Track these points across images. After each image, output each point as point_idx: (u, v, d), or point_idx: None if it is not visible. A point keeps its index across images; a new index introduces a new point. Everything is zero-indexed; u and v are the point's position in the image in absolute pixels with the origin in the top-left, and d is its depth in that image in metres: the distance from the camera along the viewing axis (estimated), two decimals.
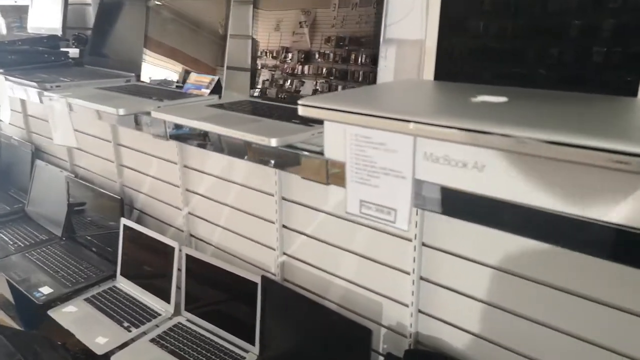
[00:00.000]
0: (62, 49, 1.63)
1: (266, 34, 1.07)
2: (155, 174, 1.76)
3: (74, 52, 1.67)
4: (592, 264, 0.83)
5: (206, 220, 1.60)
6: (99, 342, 1.45)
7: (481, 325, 1.00)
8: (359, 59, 0.90)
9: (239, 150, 0.81)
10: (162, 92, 1.18)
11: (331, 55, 0.95)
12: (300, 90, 1.01)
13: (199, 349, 1.41)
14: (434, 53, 0.75)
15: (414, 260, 1.05)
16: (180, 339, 1.46)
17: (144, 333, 1.50)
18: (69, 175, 2.09)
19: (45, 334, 1.88)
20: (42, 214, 2.22)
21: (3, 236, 2.11)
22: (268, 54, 1.07)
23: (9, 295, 2.10)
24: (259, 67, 1.09)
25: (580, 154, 0.38)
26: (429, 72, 0.77)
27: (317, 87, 0.97)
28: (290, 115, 0.90)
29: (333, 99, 0.61)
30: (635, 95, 0.58)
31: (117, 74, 1.41)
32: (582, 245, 0.47)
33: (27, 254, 1.95)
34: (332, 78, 0.96)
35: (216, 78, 1.13)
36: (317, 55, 0.98)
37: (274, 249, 1.39)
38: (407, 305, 1.10)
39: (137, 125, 1.04)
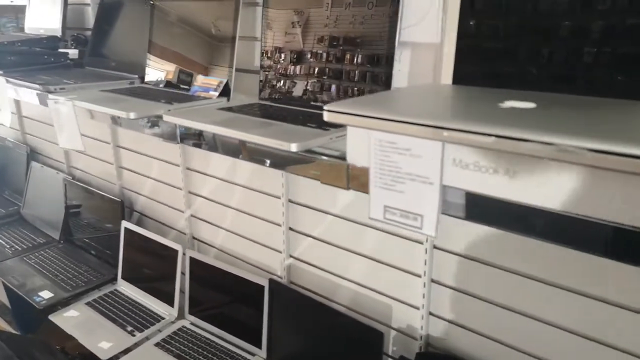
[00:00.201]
0: (61, 50, 1.60)
1: (277, 35, 1.06)
2: (156, 176, 1.74)
3: (73, 53, 1.65)
4: (607, 266, 0.83)
5: (209, 223, 1.59)
6: (103, 347, 1.43)
7: (493, 327, 1.00)
8: (375, 62, 0.90)
9: (261, 154, 0.80)
10: (169, 94, 1.16)
11: (346, 58, 0.95)
12: (315, 94, 1.00)
13: (205, 352, 1.40)
14: (452, 57, 0.75)
15: (425, 263, 1.05)
16: (186, 342, 1.44)
17: (148, 337, 1.48)
18: (67, 177, 2.07)
19: (42, 338, 1.86)
20: (39, 217, 2.19)
21: None
22: (278, 56, 1.06)
23: (4, 300, 2.07)
24: (269, 69, 1.09)
25: (627, 163, 0.38)
26: (446, 76, 0.77)
27: (340, 93, 0.96)
28: (305, 119, 0.89)
29: (358, 104, 0.60)
30: None
31: (120, 76, 1.39)
32: (619, 253, 0.47)
33: (25, 258, 1.92)
34: (344, 80, 0.95)
35: (224, 80, 1.12)
36: (331, 58, 0.98)
37: (280, 252, 1.38)
38: (417, 308, 1.10)
39: (147, 128, 1.03)
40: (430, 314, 1.09)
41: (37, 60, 1.51)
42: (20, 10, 1.89)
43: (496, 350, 1.00)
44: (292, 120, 0.87)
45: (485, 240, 0.97)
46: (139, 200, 1.87)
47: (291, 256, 1.36)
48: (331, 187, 1.19)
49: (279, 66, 1.06)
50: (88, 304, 1.65)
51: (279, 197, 1.32)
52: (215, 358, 1.37)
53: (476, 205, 0.61)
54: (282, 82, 1.06)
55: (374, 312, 1.20)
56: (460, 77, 0.75)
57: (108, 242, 1.87)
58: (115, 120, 1.09)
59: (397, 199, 0.63)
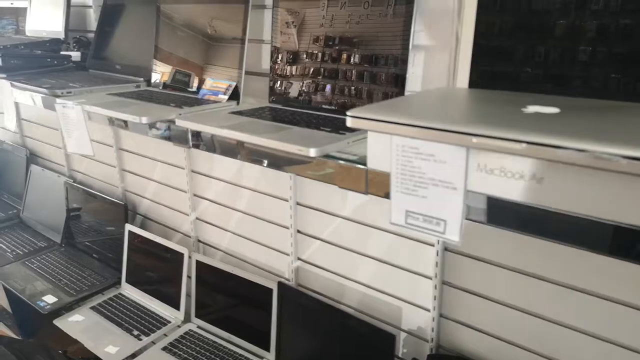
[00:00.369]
0: (63, 53, 1.59)
1: (288, 37, 1.06)
2: (160, 179, 1.73)
3: (75, 55, 1.64)
4: (624, 266, 0.84)
5: (215, 226, 1.59)
6: (110, 352, 1.43)
7: (506, 329, 1.01)
8: (389, 65, 0.90)
9: (274, 158, 0.80)
10: (178, 98, 1.16)
11: (355, 60, 0.95)
12: (327, 96, 1.00)
13: (213, 356, 1.39)
14: (468, 61, 0.75)
15: (437, 265, 1.06)
16: (193, 346, 1.44)
17: (155, 341, 1.48)
18: (68, 180, 2.05)
19: (44, 342, 1.85)
20: (39, 220, 2.18)
21: (0, 244, 2.06)
22: (289, 58, 1.06)
23: (5, 304, 2.06)
24: (279, 72, 1.08)
25: None
26: (462, 79, 0.77)
27: (354, 95, 0.96)
28: (318, 123, 0.89)
29: (381, 110, 0.60)
30: None
31: (126, 79, 1.39)
32: None
33: (26, 262, 1.91)
34: (357, 82, 0.95)
35: (233, 84, 1.12)
36: (343, 60, 0.98)
37: (287, 254, 1.38)
38: (428, 310, 1.11)
39: (156, 132, 1.03)
40: (441, 315, 1.09)
41: (40, 63, 1.50)
42: (20, 12, 1.88)
43: (508, 352, 1.01)
44: (306, 124, 0.87)
45: (498, 242, 0.97)
46: (142, 203, 1.86)
47: (299, 258, 1.36)
48: (339, 189, 1.20)
49: (289, 69, 1.06)
50: (93, 308, 1.64)
51: (286, 200, 1.32)
52: None
53: (489, 207, 0.61)
54: (292, 85, 1.06)
55: (383, 314, 1.20)
56: (476, 80, 0.75)
57: (111, 246, 1.86)
58: (113, 121, 1.08)
59: (420, 204, 0.63)
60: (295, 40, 1.05)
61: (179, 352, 1.41)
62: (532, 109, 0.57)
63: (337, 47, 0.97)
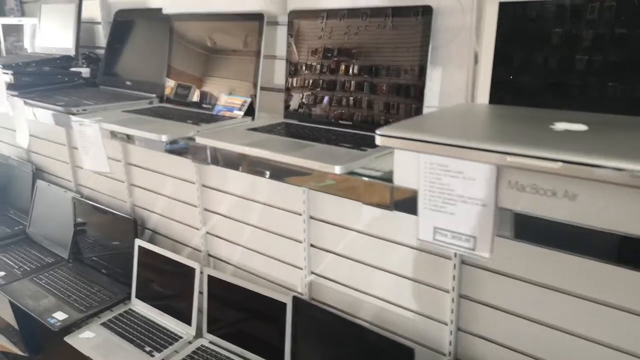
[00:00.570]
0: (74, 69, 1.60)
1: (304, 53, 1.07)
2: (170, 193, 1.73)
3: (85, 71, 1.65)
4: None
5: (226, 240, 1.59)
6: None
7: (523, 342, 1.01)
8: (406, 81, 0.91)
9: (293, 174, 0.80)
10: (193, 114, 1.17)
11: (372, 75, 0.96)
12: (342, 112, 1.01)
13: None
14: (489, 77, 0.77)
15: (454, 278, 1.06)
16: None
17: (168, 357, 1.47)
18: (75, 195, 2.05)
19: (50, 359, 1.84)
20: (46, 236, 2.17)
21: (7, 260, 2.06)
22: (305, 74, 1.07)
23: (12, 321, 2.05)
24: (294, 88, 1.09)
25: None
26: (482, 96, 0.78)
27: (371, 111, 0.97)
28: (337, 139, 0.90)
29: (410, 128, 0.61)
30: None
31: (138, 95, 1.40)
32: None
33: (34, 278, 1.90)
34: (373, 95, 0.96)
35: (249, 100, 1.13)
36: (360, 78, 0.99)
37: (301, 268, 1.38)
38: (445, 324, 1.11)
39: (172, 149, 1.03)
40: (459, 329, 1.09)
41: (50, 80, 1.51)
42: (19, 29, 1.89)
43: None
44: (326, 141, 0.88)
45: (516, 255, 0.97)
46: (150, 218, 1.86)
47: (312, 272, 1.36)
48: (353, 203, 1.20)
49: (305, 85, 1.07)
50: (103, 324, 1.63)
51: (300, 214, 1.33)
52: None
53: (515, 223, 0.62)
54: (308, 101, 1.07)
55: (399, 327, 1.20)
56: (496, 96, 0.77)
57: (119, 261, 1.85)
58: (125, 138, 1.08)
59: (448, 220, 0.63)
60: (310, 56, 1.06)
61: None
62: (560, 126, 0.58)
63: (354, 63, 0.99)
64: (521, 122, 0.63)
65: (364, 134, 0.93)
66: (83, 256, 2.02)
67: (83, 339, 1.56)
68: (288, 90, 1.11)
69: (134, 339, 1.56)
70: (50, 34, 1.67)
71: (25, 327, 1.99)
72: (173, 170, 1.68)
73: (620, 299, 0.87)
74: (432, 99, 0.91)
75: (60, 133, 2.12)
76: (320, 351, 1.27)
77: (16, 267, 2.00)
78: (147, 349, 1.51)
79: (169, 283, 1.65)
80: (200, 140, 0.92)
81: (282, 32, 1.21)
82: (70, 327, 1.62)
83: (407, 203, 0.69)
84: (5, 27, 1.94)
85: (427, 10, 0.87)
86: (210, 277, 1.52)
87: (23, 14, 2.04)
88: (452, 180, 0.61)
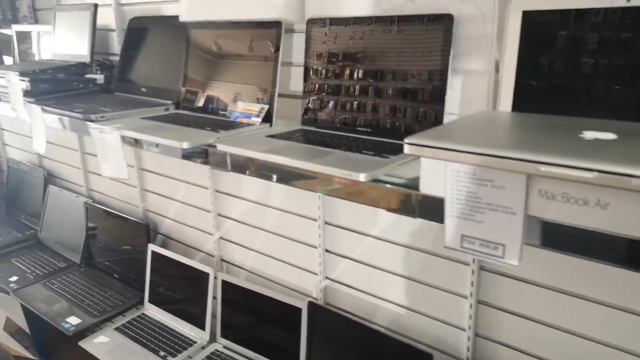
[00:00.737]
0: (88, 76, 1.62)
1: (322, 61, 1.08)
2: (182, 198, 1.74)
3: (99, 78, 1.66)
4: None
5: (240, 245, 1.60)
6: None
7: (543, 347, 1.01)
8: (427, 88, 0.92)
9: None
10: (211, 121, 1.17)
11: (394, 80, 0.97)
12: (361, 119, 1.02)
13: None
14: (511, 85, 0.77)
15: (472, 284, 1.06)
16: None
17: None
18: (87, 200, 2.06)
19: None
20: (58, 241, 2.18)
21: (19, 264, 2.07)
22: (323, 81, 1.08)
23: (24, 325, 2.05)
24: (312, 94, 1.10)
25: None
26: (505, 103, 0.78)
27: (390, 118, 0.98)
28: (358, 146, 0.90)
29: (438, 137, 0.62)
30: None
31: (153, 102, 1.40)
32: None
33: (47, 283, 1.91)
34: (390, 99, 0.97)
35: (266, 107, 1.13)
36: (379, 84, 0.99)
37: (315, 274, 1.38)
38: (463, 329, 1.11)
39: (191, 156, 1.04)
40: (477, 335, 1.10)
41: (66, 87, 1.53)
42: (25, 36, 1.91)
43: None
44: (347, 148, 0.88)
45: (535, 261, 0.98)
46: (163, 223, 1.87)
47: (327, 278, 1.37)
48: (369, 208, 1.21)
49: (322, 91, 1.08)
50: (117, 329, 1.64)
51: (315, 220, 1.33)
52: None
53: (543, 230, 0.62)
54: (325, 107, 1.08)
55: (416, 333, 1.20)
56: (519, 104, 0.77)
57: (132, 265, 1.86)
58: (137, 143, 1.09)
59: (476, 228, 0.64)
60: (328, 62, 1.07)
61: None
62: (589, 135, 0.58)
63: (372, 70, 0.99)
64: (549, 131, 0.64)
65: (384, 141, 0.94)
66: (95, 261, 2.03)
67: (98, 344, 1.57)
68: (306, 96, 1.12)
69: (148, 343, 1.56)
70: (65, 41, 1.69)
71: (36, 332, 2.00)
72: (186, 175, 1.69)
73: None
74: (452, 106, 0.92)
75: (72, 139, 2.14)
76: (336, 357, 1.28)
77: (28, 271, 2.01)
78: (162, 353, 1.52)
79: (182, 288, 1.66)
80: (221, 148, 0.93)
81: (298, 39, 1.22)
82: (84, 331, 1.63)
83: (432, 211, 0.70)
84: (19, 34, 1.96)
85: (448, 19, 0.87)
86: (224, 282, 1.53)
87: (36, 21, 2.06)
88: (480, 189, 0.62)
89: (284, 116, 1.22)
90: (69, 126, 1.33)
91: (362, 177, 0.73)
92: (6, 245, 2.21)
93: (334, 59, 1.05)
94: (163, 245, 1.82)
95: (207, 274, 1.57)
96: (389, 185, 0.75)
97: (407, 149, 0.62)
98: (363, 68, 1.00)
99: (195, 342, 1.56)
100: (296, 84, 1.24)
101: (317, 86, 1.09)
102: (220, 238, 1.65)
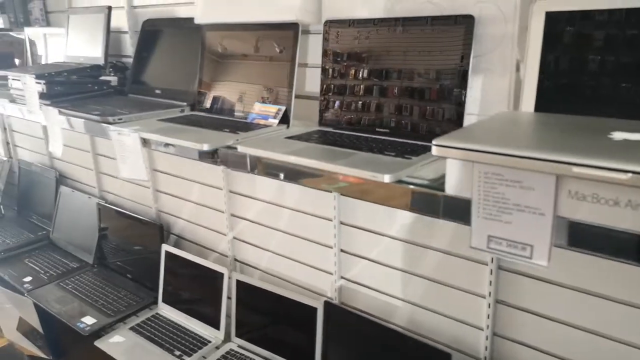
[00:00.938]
0: (103, 78, 1.63)
1: (339, 62, 1.08)
2: (196, 199, 1.75)
3: (112, 80, 1.67)
4: None
5: (254, 245, 1.60)
6: None
7: (562, 347, 1.01)
8: (447, 89, 0.92)
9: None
10: (228, 123, 1.18)
11: (415, 81, 0.97)
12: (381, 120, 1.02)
13: None
14: (534, 85, 0.77)
15: (490, 284, 1.07)
16: None
17: None
18: (100, 201, 2.08)
19: None
20: (70, 241, 2.20)
21: (33, 265, 2.09)
22: (341, 82, 1.08)
23: (37, 324, 2.07)
24: (330, 95, 1.10)
25: None
26: (528, 104, 0.79)
27: (411, 118, 0.98)
28: (378, 147, 0.91)
29: (466, 138, 0.62)
30: None
31: (168, 104, 1.41)
32: None
33: (61, 283, 1.93)
34: (412, 100, 0.97)
35: (283, 108, 1.14)
36: (398, 84, 1.00)
37: (331, 274, 1.39)
38: (481, 329, 1.11)
39: (210, 157, 1.05)
40: (495, 334, 1.10)
41: (81, 89, 1.54)
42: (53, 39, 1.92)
43: None
44: (369, 149, 0.89)
45: (556, 261, 0.98)
46: (176, 224, 1.88)
47: (343, 277, 1.37)
48: (385, 208, 1.21)
49: (340, 92, 1.08)
50: (132, 328, 1.65)
51: (330, 220, 1.34)
52: None
53: (570, 231, 0.62)
54: (342, 108, 1.08)
55: (433, 332, 1.21)
56: (542, 104, 0.77)
57: (145, 266, 1.87)
58: (159, 145, 1.10)
59: (503, 229, 0.64)
60: (346, 63, 1.07)
61: None
62: (618, 135, 0.59)
63: (391, 71, 1.00)
64: (576, 131, 0.64)
65: (404, 142, 0.94)
66: (108, 261, 2.04)
67: (113, 344, 1.58)
68: (323, 97, 1.12)
69: (163, 343, 1.57)
70: (79, 43, 1.70)
71: (50, 331, 2.02)
72: (200, 176, 1.70)
73: None
74: (472, 106, 0.92)
75: (84, 140, 2.15)
76: (353, 356, 1.28)
77: (42, 272, 2.03)
78: (177, 353, 1.52)
79: (196, 288, 1.67)
80: (242, 149, 0.93)
81: (314, 41, 1.22)
82: (99, 331, 1.64)
83: (457, 211, 0.70)
84: (31, 37, 1.97)
85: (468, 19, 0.88)
86: (239, 282, 1.54)
87: (48, 24, 2.08)
88: (508, 190, 0.62)
89: (299, 117, 1.22)
90: (84, 128, 1.34)
91: (386, 178, 0.73)
92: (19, 246, 2.22)
93: (352, 60, 1.06)
94: (176, 246, 1.83)
95: (221, 274, 1.58)
96: (413, 187, 0.76)
97: (435, 150, 0.62)
98: (381, 69, 1.01)
99: (209, 342, 1.57)
100: (312, 85, 1.24)
101: (334, 87, 1.09)
102: (234, 238, 1.66)
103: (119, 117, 1.21)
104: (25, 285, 1.91)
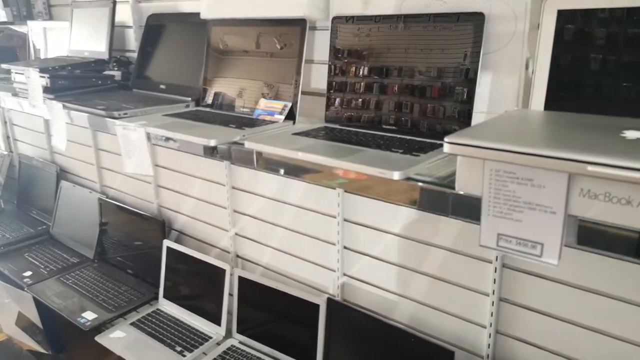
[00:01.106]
0: (106, 72, 1.62)
1: (346, 59, 1.08)
2: (198, 195, 1.75)
3: (116, 75, 1.67)
4: None
5: (255, 241, 1.60)
6: None
7: (564, 345, 1.02)
8: (456, 86, 0.92)
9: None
10: (233, 118, 1.18)
11: (422, 78, 0.97)
12: (389, 116, 1.02)
13: None
14: (544, 84, 0.77)
15: (495, 282, 1.07)
16: None
17: (199, 357, 1.48)
18: (101, 196, 2.07)
19: (73, 358, 1.86)
20: (70, 236, 2.19)
21: (33, 260, 2.08)
22: (347, 79, 1.08)
23: (36, 319, 2.07)
24: (336, 92, 1.10)
25: None
26: (538, 102, 0.79)
27: (419, 115, 0.98)
28: (386, 144, 0.91)
29: (479, 136, 0.62)
30: None
31: (173, 99, 1.41)
32: None
33: (61, 278, 1.92)
34: (419, 99, 0.97)
35: (289, 104, 1.14)
36: (406, 80, 1.00)
37: (333, 270, 1.39)
38: (484, 326, 1.11)
39: (215, 153, 1.04)
40: (498, 332, 1.10)
41: (85, 84, 1.53)
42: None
43: None
44: (377, 146, 0.89)
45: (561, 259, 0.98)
46: (177, 219, 1.87)
47: (345, 274, 1.37)
48: (388, 206, 1.21)
49: (347, 89, 1.08)
50: (133, 324, 1.65)
51: (334, 217, 1.34)
52: None
53: (579, 230, 0.62)
54: (349, 105, 1.08)
55: (435, 330, 1.21)
56: (553, 103, 0.77)
57: (146, 261, 1.87)
58: (167, 140, 1.10)
59: (514, 227, 0.64)
60: (354, 60, 1.07)
61: None
62: (631, 134, 0.59)
63: (400, 67, 0.99)
64: (588, 130, 0.64)
65: (412, 139, 0.94)
66: (108, 256, 2.03)
67: (114, 339, 1.58)
68: (330, 94, 1.12)
69: (164, 338, 1.57)
70: (83, 37, 1.69)
71: (49, 326, 2.01)
72: (202, 172, 1.70)
73: None
74: (481, 104, 0.92)
75: (85, 135, 2.15)
76: (355, 353, 1.28)
77: (42, 266, 2.02)
78: (178, 348, 1.52)
79: (197, 284, 1.66)
80: (249, 145, 0.93)
81: (320, 37, 1.22)
82: (100, 326, 1.64)
83: (466, 209, 0.70)
84: (33, 30, 1.97)
85: (478, 17, 0.88)
86: (241, 278, 1.54)
87: (51, 18, 2.07)
88: (519, 187, 0.62)
89: (305, 114, 1.22)
90: (87, 123, 1.34)
91: (395, 175, 0.73)
92: (19, 240, 2.22)
93: (359, 57, 1.05)
94: (177, 241, 1.83)
95: (223, 270, 1.58)
96: (422, 184, 0.76)
97: (447, 148, 0.62)
98: (389, 66, 1.01)
99: (211, 338, 1.57)
100: (318, 81, 1.24)
101: (341, 84, 1.09)
102: (236, 234, 1.66)
103: (124, 112, 1.20)
104: (25, 280, 1.91)
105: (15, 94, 1.63)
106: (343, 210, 1.32)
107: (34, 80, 1.42)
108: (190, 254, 1.67)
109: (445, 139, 0.62)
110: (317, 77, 1.24)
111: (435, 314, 1.20)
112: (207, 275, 1.63)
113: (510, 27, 0.87)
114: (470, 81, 0.89)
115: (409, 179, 0.75)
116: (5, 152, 2.65)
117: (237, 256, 1.69)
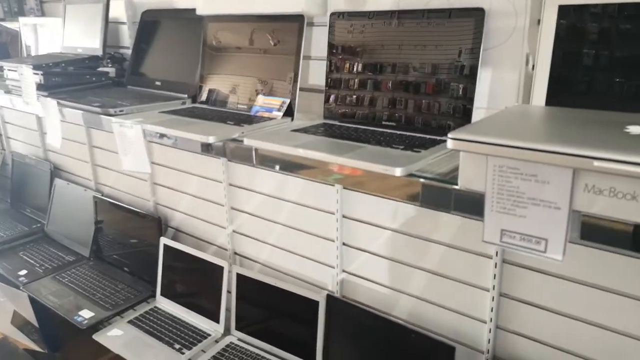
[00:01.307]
0: (101, 69, 1.60)
1: (345, 54, 1.08)
2: (195, 192, 1.74)
3: (110, 71, 1.65)
4: None
5: (253, 238, 1.60)
6: None
7: (565, 339, 1.02)
8: (457, 82, 0.92)
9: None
10: (231, 115, 1.17)
11: (423, 74, 0.97)
12: (387, 112, 1.02)
13: None
14: (546, 79, 0.77)
15: (495, 277, 1.07)
16: (237, 358, 1.44)
17: (198, 355, 1.48)
18: (96, 194, 2.06)
19: (69, 356, 1.85)
20: (65, 234, 2.17)
21: (28, 258, 2.06)
22: (346, 75, 1.08)
23: (32, 318, 2.05)
24: (335, 88, 1.10)
25: None
26: (539, 97, 0.78)
27: (417, 112, 0.98)
28: (386, 140, 0.90)
29: (482, 132, 0.62)
30: None
31: (168, 96, 1.40)
32: None
33: (57, 276, 1.91)
34: (418, 96, 0.97)
35: (287, 101, 1.13)
36: (404, 77, 0.99)
37: (332, 267, 1.39)
38: (484, 322, 1.12)
39: (213, 150, 1.03)
40: (498, 327, 1.10)
41: (79, 81, 1.51)
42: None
43: None
44: (377, 142, 0.88)
45: None
46: (174, 217, 1.86)
47: (344, 271, 1.37)
48: (387, 202, 1.21)
49: (345, 85, 1.08)
50: (130, 322, 1.64)
51: (332, 213, 1.33)
52: None
53: (583, 225, 0.62)
54: (348, 101, 1.07)
55: (435, 325, 1.21)
56: (553, 98, 0.77)
57: (142, 259, 1.86)
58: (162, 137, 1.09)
59: (518, 223, 0.64)
60: (352, 56, 1.06)
61: None
62: (634, 129, 0.59)
63: (399, 64, 0.99)
64: (590, 125, 0.64)
65: (411, 135, 0.94)
66: (104, 254, 2.02)
67: (112, 337, 1.57)
68: (328, 90, 1.11)
69: (163, 336, 1.56)
70: (76, 34, 1.67)
71: (45, 325, 2.00)
72: (199, 169, 1.69)
73: None
74: (481, 100, 0.92)
75: (79, 132, 2.12)
76: (355, 349, 1.28)
77: (37, 265, 2.00)
78: (177, 346, 1.52)
79: (195, 281, 1.66)
80: (248, 142, 0.93)
81: (318, 33, 1.21)
82: (97, 325, 1.63)
83: (469, 205, 0.70)
84: (25, 27, 1.94)
85: (479, 12, 0.87)
86: (239, 275, 1.53)
87: (43, 14, 2.04)
88: (523, 183, 0.62)
89: (303, 110, 1.21)
90: (82, 120, 1.32)
91: (398, 171, 0.73)
92: (13, 238, 2.20)
93: (357, 53, 1.05)
94: (174, 239, 1.82)
95: (221, 267, 1.57)
96: (424, 180, 0.75)
97: (450, 143, 0.62)
98: (389, 62, 1.00)
99: (209, 335, 1.56)
100: (316, 77, 1.24)
101: (340, 80, 1.09)
102: (234, 231, 1.65)
103: (120, 109, 1.19)
104: (20, 279, 1.89)
105: (7, 91, 1.61)
106: (342, 206, 1.32)
107: (27, 77, 1.41)
108: (188, 252, 1.66)
109: (449, 135, 0.62)
110: (315, 73, 1.24)
111: (435, 309, 1.21)
112: (204, 272, 1.62)
113: (510, 23, 0.87)
114: (470, 77, 0.89)
115: (411, 175, 0.75)
116: None
117: (235, 253, 1.68)
